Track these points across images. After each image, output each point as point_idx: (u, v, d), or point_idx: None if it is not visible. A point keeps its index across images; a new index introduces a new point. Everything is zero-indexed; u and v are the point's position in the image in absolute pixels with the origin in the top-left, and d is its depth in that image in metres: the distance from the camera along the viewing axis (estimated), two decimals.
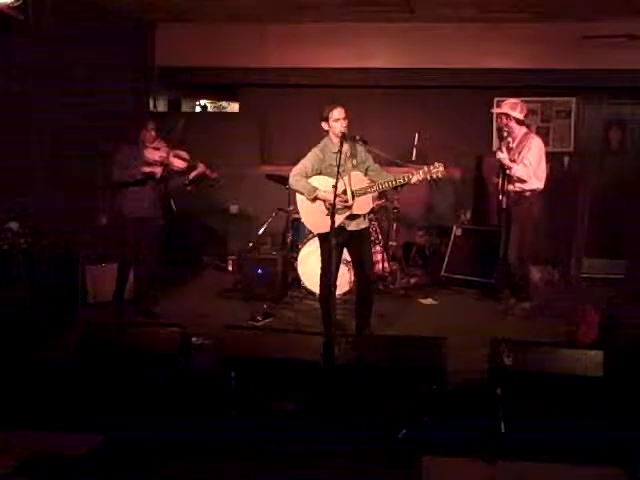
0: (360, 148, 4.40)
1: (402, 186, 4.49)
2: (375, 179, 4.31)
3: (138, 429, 3.26)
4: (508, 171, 5.07)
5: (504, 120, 5.16)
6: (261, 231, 6.30)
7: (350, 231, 4.33)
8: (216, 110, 9.65)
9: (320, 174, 4.31)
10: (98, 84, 6.06)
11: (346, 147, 4.17)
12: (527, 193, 5.07)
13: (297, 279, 5.83)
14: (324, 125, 4.26)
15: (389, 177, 4.28)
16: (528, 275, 5.39)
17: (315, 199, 4.26)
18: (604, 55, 6.37)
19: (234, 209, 7.38)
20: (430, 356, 3.37)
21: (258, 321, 5.01)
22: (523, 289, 5.30)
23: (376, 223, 6.02)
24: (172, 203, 6.87)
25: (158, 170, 4.88)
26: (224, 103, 9.59)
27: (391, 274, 6.09)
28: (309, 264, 5.56)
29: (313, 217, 4.35)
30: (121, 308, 5.08)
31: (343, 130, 4.15)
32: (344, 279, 5.38)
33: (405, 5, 5.98)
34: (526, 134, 5.16)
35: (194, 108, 9.58)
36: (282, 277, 5.81)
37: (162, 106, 8.06)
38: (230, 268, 6.73)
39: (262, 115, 7.25)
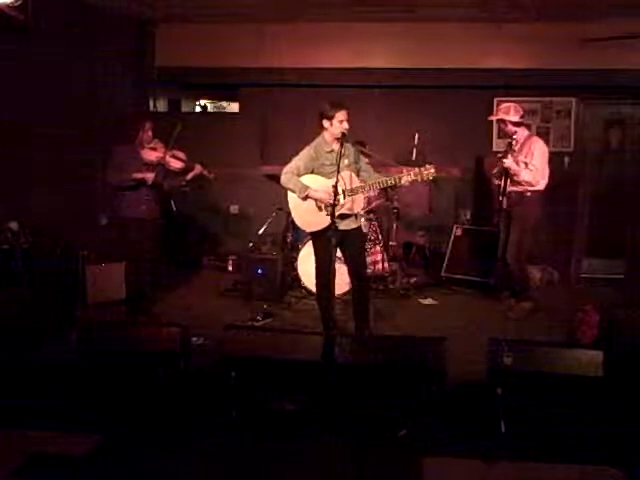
0: (352, 148, 4.40)
1: (393, 187, 4.56)
2: (366, 179, 4.32)
3: (138, 429, 3.27)
4: (515, 177, 5.08)
5: (502, 126, 5.22)
6: (261, 231, 6.30)
7: (341, 230, 4.33)
8: (216, 110, 9.65)
9: (312, 173, 4.32)
10: (98, 84, 6.07)
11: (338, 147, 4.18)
12: (528, 193, 5.09)
13: (297, 279, 5.83)
14: (325, 123, 4.25)
15: (380, 178, 4.30)
16: (527, 275, 5.39)
17: (306, 198, 4.27)
18: (604, 55, 6.37)
19: (234, 209, 7.39)
20: (430, 356, 3.37)
21: (258, 321, 5.01)
22: (522, 289, 5.30)
23: (376, 223, 6.02)
24: (172, 203, 6.89)
25: (150, 176, 4.82)
26: (224, 103, 9.59)
27: (391, 274, 6.09)
28: (309, 264, 5.52)
29: (304, 216, 4.37)
30: (121, 308, 5.07)
31: (344, 131, 4.16)
32: (343, 279, 5.37)
33: (405, 5, 5.98)
34: (529, 137, 5.18)
35: (194, 108, 9.58)
36: (282, 277, 5.81)
37: (162, 106, 8.06)
38: (230, 268, 6.73)
39: (262, 115, 7.25)
